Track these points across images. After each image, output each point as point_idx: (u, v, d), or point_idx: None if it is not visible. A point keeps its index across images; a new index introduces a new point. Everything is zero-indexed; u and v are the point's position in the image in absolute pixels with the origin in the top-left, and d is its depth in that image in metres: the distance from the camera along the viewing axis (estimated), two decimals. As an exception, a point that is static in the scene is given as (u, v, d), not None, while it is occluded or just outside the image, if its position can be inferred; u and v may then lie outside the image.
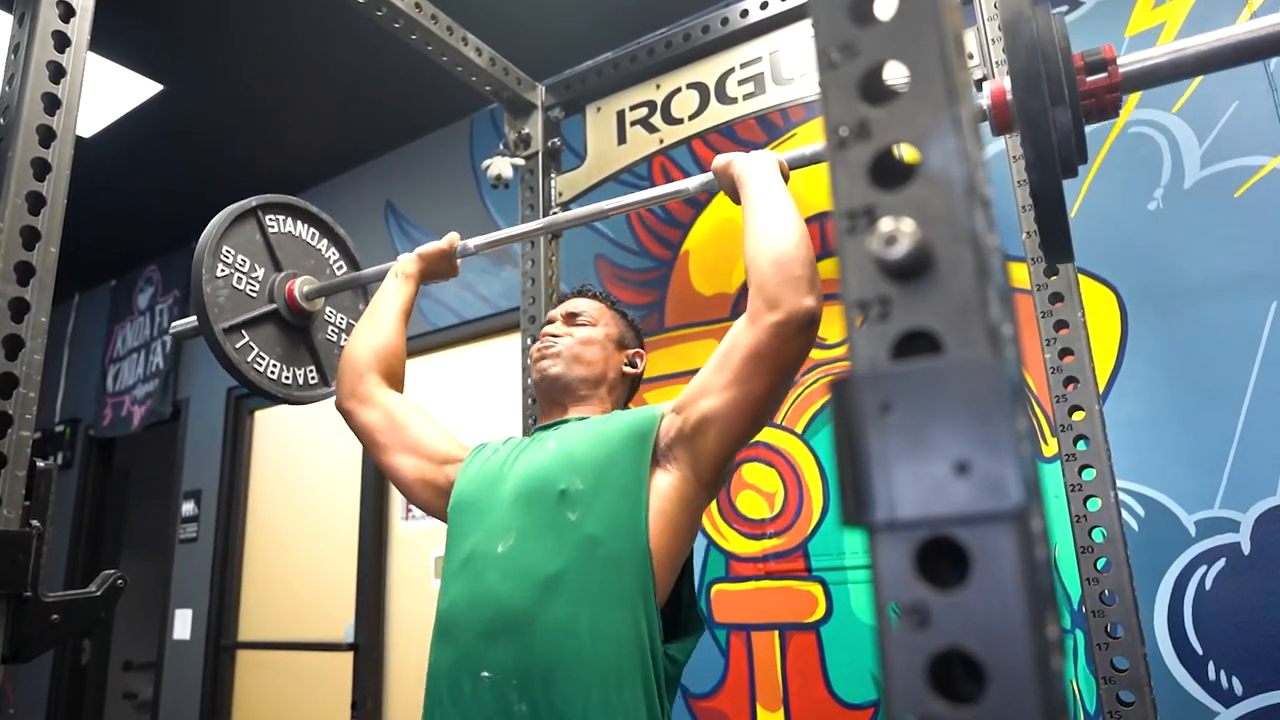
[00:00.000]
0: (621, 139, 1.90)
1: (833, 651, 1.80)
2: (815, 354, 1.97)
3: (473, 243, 1.43)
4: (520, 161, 1.96)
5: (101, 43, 2.36)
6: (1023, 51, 0.74)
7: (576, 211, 1.41)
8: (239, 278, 1.47)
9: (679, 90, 1.84)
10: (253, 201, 1.52)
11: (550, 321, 1.31)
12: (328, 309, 1.63)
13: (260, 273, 1.52)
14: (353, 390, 1.29)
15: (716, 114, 1.78)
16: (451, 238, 1.43)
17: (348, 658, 2.71)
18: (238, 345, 1.44)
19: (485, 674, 0.99)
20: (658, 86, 1.88)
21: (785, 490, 1.94)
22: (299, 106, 2.84)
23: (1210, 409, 1.52)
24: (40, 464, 0.96)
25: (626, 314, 1.35)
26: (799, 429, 1.95)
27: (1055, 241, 0.85)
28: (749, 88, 1.75)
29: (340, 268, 1.69)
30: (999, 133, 0.98)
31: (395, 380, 1.32)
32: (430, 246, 1.43)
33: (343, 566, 2.83)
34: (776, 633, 1.88)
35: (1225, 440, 1.50)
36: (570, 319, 1.29)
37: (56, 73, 1.05)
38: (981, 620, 0.28)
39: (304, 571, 3.01)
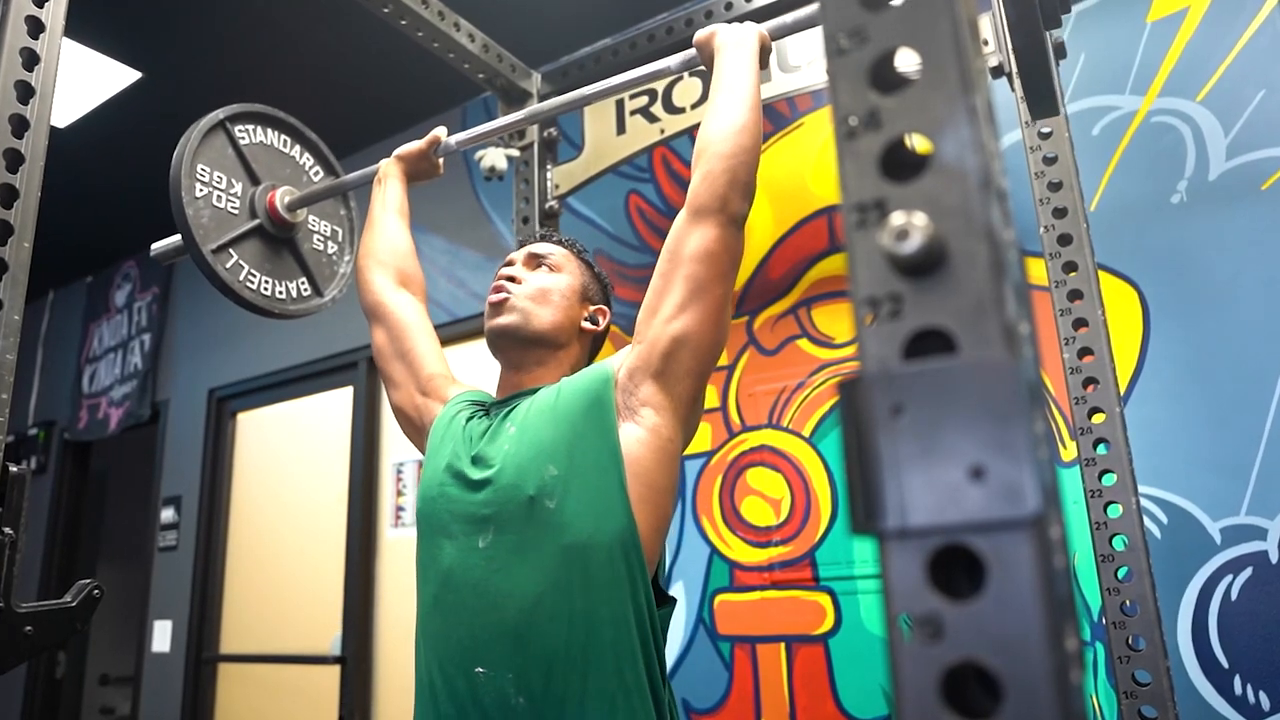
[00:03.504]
0: (621, 129, 1.90)
1: (841, 665, 1.80)
2: (823, 353, 1.97)
3: (454, 139, 1.48)
4: (515, 153, 1.96)
5: (77, 28, 2.36)
6: None
7: (559, 99, 1.40)
8: (218, 195, 1.49)
9: (680, 78, 1.84)
10: (220, 114, 1.53)
11: (509, 264, 1.25)
12: (311, 218, 1.66)
13: (238, 188, 1.53)
14: (366, 286, 1.37)
15: (720, 103, 1.78)
16: (436, 133, 1.48)
17: (334, 671, 2.71)
18: (228, 265, 1.46)
19: (480, 670, 0.99)
20: (658, 74, 1.87)
21: (792, 496, 1.94)
22: (284, 95, 2.84)
23: (1236, 411, 1.52)
24: (13, 469, 0.96)
25: (594, 265, 1.30)
26: (806, 432, 1.95)
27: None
28: (754, 75, 1.74)
29: (317, 174, 1.71)
30: None
31: (408, 279, 1.38)
32: (408, 146, 1.49)
33: (329, 576, 2.83)
34: (783, 645, 1.88)
35: (1252, 444, 1.50)
36: (532, 262, 1.24)
37: (30, 60, 1.05)
38: (997, 632, 0.28)
39: (289, 581, 3.01)
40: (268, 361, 3.24)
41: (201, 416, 3.42)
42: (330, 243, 1.69)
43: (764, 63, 1.16)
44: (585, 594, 0.98)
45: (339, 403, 3.00)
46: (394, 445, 2.84)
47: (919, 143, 0.33)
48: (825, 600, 1.85)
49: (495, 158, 1.90)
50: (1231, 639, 1.46)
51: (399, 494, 2.78)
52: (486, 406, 1.22)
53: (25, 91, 1.04)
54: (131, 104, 2.76)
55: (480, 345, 2.71)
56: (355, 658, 2.66)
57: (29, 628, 0.95)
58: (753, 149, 1.06)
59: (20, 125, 1.03)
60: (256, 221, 1.53)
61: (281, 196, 1.56)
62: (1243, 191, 1.59)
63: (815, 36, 1.64)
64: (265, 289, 1.52)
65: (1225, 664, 1.46)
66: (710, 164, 1.05)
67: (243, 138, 1.57)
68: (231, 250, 1.47)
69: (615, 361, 1.09)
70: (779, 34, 1.20)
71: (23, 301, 0.99)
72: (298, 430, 3.15)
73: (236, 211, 1.51)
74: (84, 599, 1.02)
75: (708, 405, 1.86)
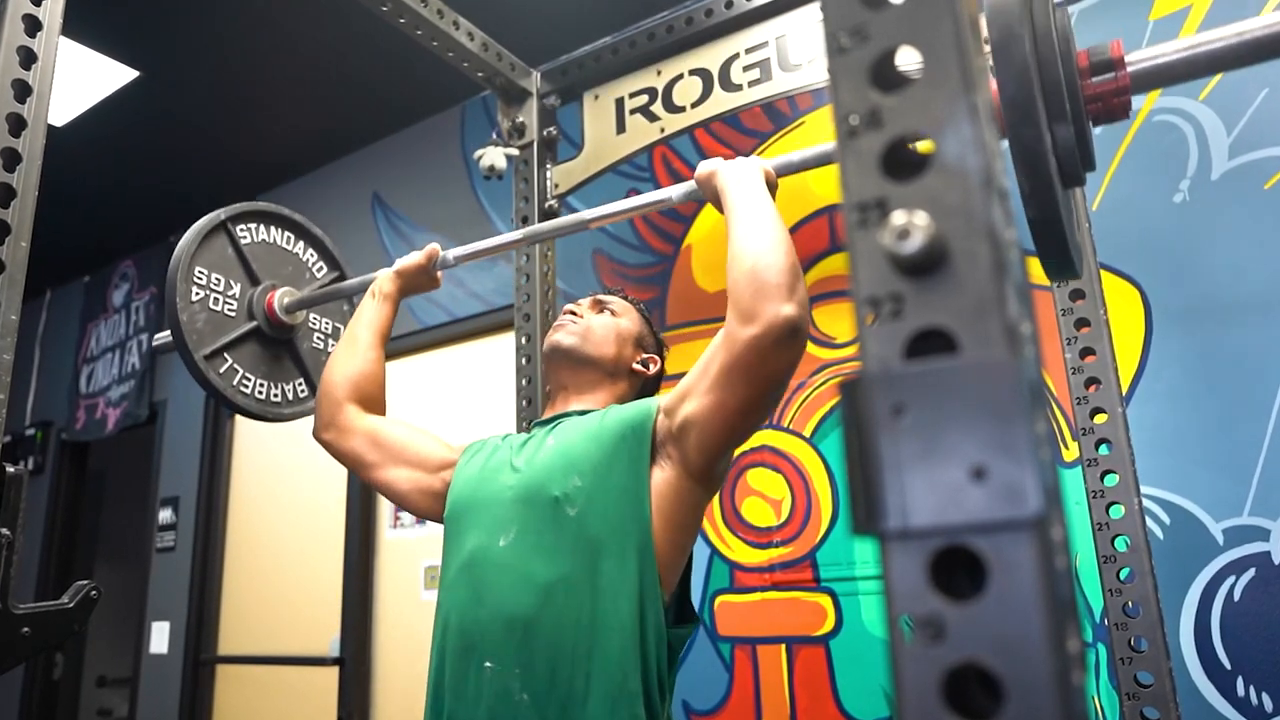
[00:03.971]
0: (621, 128, 1.90)
1: (842, 666, 1.80)
2: (824, 353, 1.97)
3: (452, 254, 1.45)
4: (514, 151, 1.96)
5: (75, 27, 2.36)
6: (1013, 79, 0.67)
7: (557, 221, 1.43)
8: (215, 298, 1.47)
9: (681, 76, 1.84)
10: (221, 215, 1.51)
11: (575, 303, 1.35)
12: (311, 316, 1.64)
13: (237, 289, 1.51)
14: (331, 421, 1.32)
15: (720, 101, 1.78)
16: (431, 249, 1.45)
17: (333, 673, 2.71)
18: (221, 370, 1.44)
19: (488, 664, 1.03)
20: (659, 73, 1.88)
21: (792, 497, 1.94)
22: (282, 94, 2.85)
23: (1239, 411, 1.52)
24: (10, 469, 0.96)
25: (652, 322, 1.38)
26: (807, 432, 1.95)
27: (1059, 261, 0.82)
28: (755, 74, 1.75)
29: (320, 269, 1.69)
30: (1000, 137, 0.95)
31: (374, 405, 1.35)
32: (408, 261, 1.45)
33: (328, 577, 2.83)
34: (783, 646, 1.88)
35: (1255, 444, 1.50)
36: (596, 306, 1.34)
37: (27, 58, 1.05)
38: (999, 633, 0.28)
39: (287, 582, 3.01)
40: (266, 361, 3.24)
41: (200, 417, 3.42)
42: (331, 340, 1.67)
43: (773, 193, 1.13)
44: (594, 597, 1.02)
45: (337, 403, 3.00)
46: (393, 445, 2.84)
47: (920, 142, 0.33)
48: (826, 601, 1.85)
49: (495, 157, 1.90)
50: (1234, 640, 1.46)
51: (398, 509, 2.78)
52: (522, 433, 1.31)
53: (22, 90, 1.04)
54: (129, 103, 2.76)
55: (479, 345, 2.71)
56: (354, 659, 2.66)
57: (26, 629, 0.95)
58: (776, 256, 0.99)
59: (17, 124, 1.03)
60: (254, 324, 1.51)
61: (280, 298, 1.54)
62: (1246, 191, 1.59)
63: (816, 34, 1.64)
64: (259, 393, 1.50)
65: (1228, 665, 1.46)
66: (736, 285, 1.00)
67: (244, 237, 1.54)
68: (226, 355, 1.45)
69: (661, 402, 1.13)
70: (785, 171, 1.18)
71: (20, 301, 1.00)
72: (296, 431, 3.14)
73: (234, 314, 1.49)
74: (81, 600, 1.02)
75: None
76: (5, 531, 0.94)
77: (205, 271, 1.46)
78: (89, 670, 4.10)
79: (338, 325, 1.69)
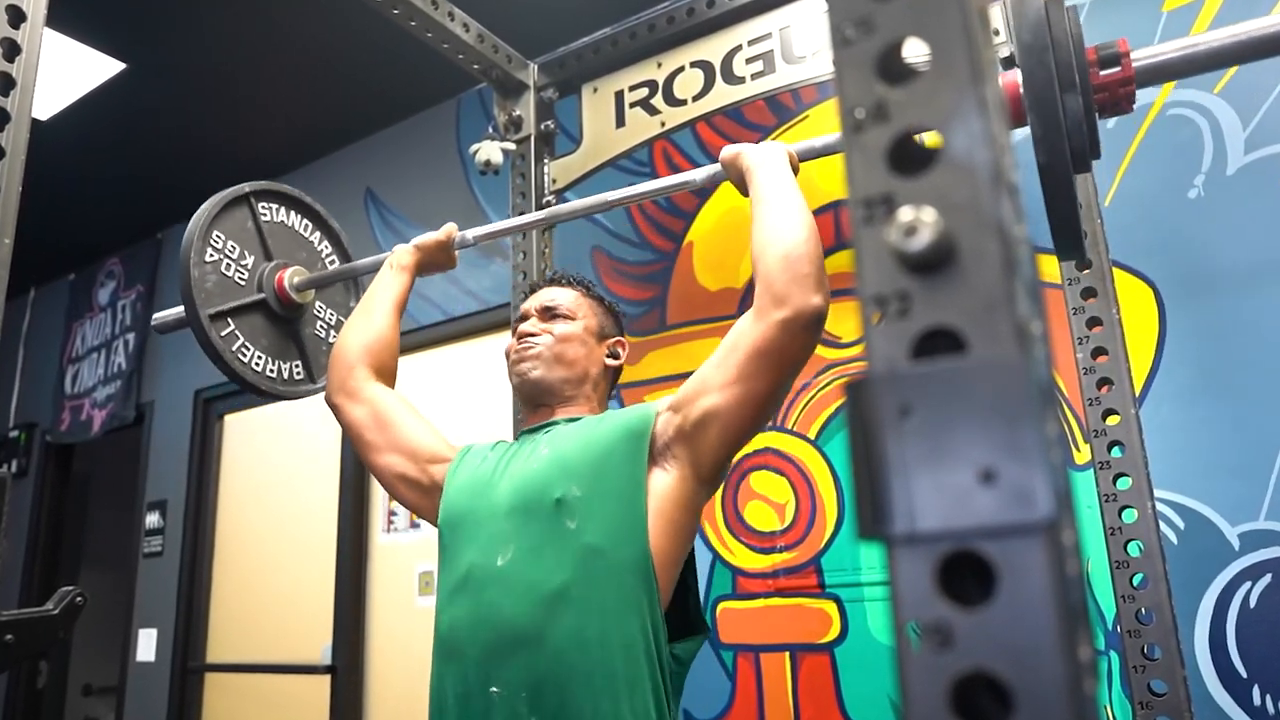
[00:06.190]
0: (620, 122, 1.90)
1: (848, 674, 1.80)
2: (829, 353, 1.97)
3: (471, 234, 1.49)
4: (511, 146, 1.96)
5: (59, 17, 2.35)
6: (1029, 30, 0.77)
7: (578, 203, 1.44)
8: (228, 264, 1.51)
9: (682, 69, 1.84)
10: (246, 188, 1.57)
11: (524, 318, 1.33)
12: (318, 303, 1.67)
13: (250, 261, 1.56)
14: (342, 384, 1.34)
15: (723, 94, 1.78)
16: (449, 228, 1.49)
17: (325, 681, 2.71)
18: (223, 333, 1.48)
19: (494, 689, 1.04)
20: (659, 65, 1.88)
21: (797, 501, 1.94)
22: (273, 87, 2.84)
23: (1255, 412, 1.52)
24: (-7, 472, 0.96)
25: (604, 299, 1.38)
26: (812, 435, 1.95)
27: (1066, 237, 0.90)
28: (757, 66, 1.75)
29: (332, 262, 1.73)
30: (1010, 128, 1.02)
31: (387, 375, 1.38)
32: (427, 237, 1.48)
33: (319, 582, 2.83)
34: (787, 654, 1.88)
35: (1271, 446, 1.50)
36: (546, 315, 1.31)
37: (10, 50, 1.05)
38: (1008, 641, 0.28)
39: (277, 588, 3.01)
40: (256, 361, 3.24)
41: (188, 418, 3.42)
42: (334, 332, 1.70)
43: (797, 174, 1.19)
44: (600, 605, 1.03)
45: (329, 404, 3.00)
46: (386, 448, 2.84)
47: (928, 136, 0.33)
48: (831, 608, 1.85)
49: (490, 151, 1.90)
50: (1250, 648, 1.46)
51: (391, 498, 2.78)
52: (511, 441, 1.30)
53: (6, 83, 1.04)
54: (116, 96, 2.76)
55: (473, 344, 2.71)
56: (346, 667, 2.66)
57: (10, 636, 0.95)
58: (807, 243, 1.04)
59: (1, 118, 1.03)
60: (261, 296, 1.55)
61: (291, 276, 1.58)
62: (1262, 186, 1.59)
63: (820, 26, 1.64)
64: (256, 364, 1.52)
65: (1244, 673, 1.46)
66: (767, 267, 1.05)
67: (264, 214, 1.60)
68: (230, 319, 1.49)
69: (658, 406, 1.15)
70: (807, 156, 1.23)
71: (3, 300, 0.99)
72: (287, 433, 3.15)
73: (244, 283, 1.53)
74: (66, 606, 1.02)
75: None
76: (-12, 536, 0.94)
77: (222, 237, 1.51)
78: (74, 679, 4.10)
79: (341, 317, 1.72)
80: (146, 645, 3.30)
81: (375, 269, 1.51)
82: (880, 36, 0.35)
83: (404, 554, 2.70)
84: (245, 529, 3.22)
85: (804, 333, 1.02)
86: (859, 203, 0.34)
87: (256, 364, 1.52)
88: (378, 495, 2.82)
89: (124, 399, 3.63)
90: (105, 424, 3.67)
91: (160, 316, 1.60)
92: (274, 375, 1.56)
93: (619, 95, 1.92)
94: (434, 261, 1.49)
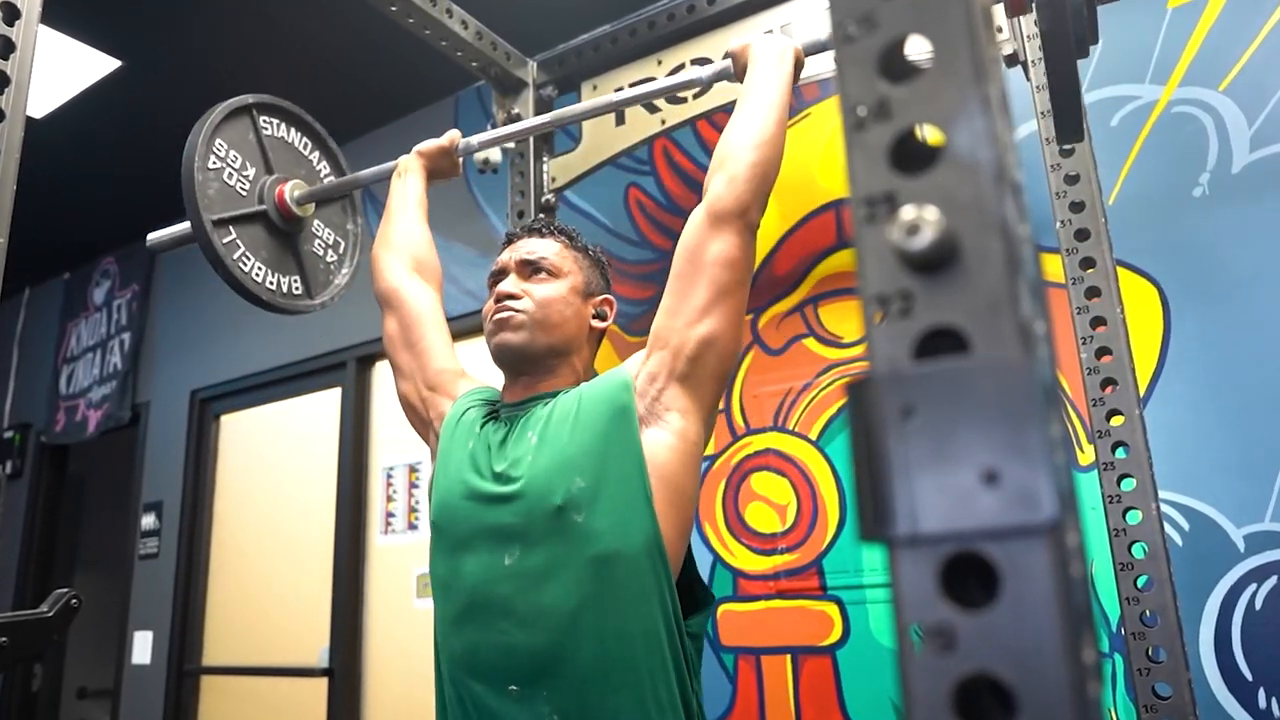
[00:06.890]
0: (620, 119, 1.90)
1: (850, 677, 1.80)
2: (831, 353, 1.97)
3: (475, 139, 1.52)
4: (510, 144, 1.96)
5: (54, 15, 2.36)
6: None
7: (588, 103, 1.49)
8: (229, 173, 1.53)
9: (683, 66, 1.84)
10: (249, 98, 1.60)
11: (502, 273, 1.24)
12: (317, 221, 1.68)
13: (251, 172, 1.57)
14: (381, 274, 1.38)
15: (723, 92, 1.78)
16: (452, 133, 1.52)
17: (322, 684, 2.71)
18: (225, 240, 1.48)
19: (513, 688, 1.02)
20: (659, 63, 1.88)
21: (798, 502, 1.94)
22: (270, 84, 2.82)
23: (1260, 413, 1.52)
24: (-13, 473, 0.96)
25: (590, 249, 1.31)
26: (813, 435, 1.95)
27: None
28: (759, 64, 1.74)
29: (330, 182, 1.74)
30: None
31: (424, 268, 1.39)
32: (430, 143, 1.51)
33: (316, 585, 2.83)
34: (789, 657, 1.88)
35: (1277, 447, 1.50)
36: (526, 270, 1.22)
37: (5, 48, 1.05)
38: (1011, 643, 0.28)
39: (274, 590, 3.01)
40: (252, 362, 3.24)
41: (183, 419, 3.42)
42: (331, 251, 1.72)
43: (797, 77, 1.22)
44: (617, 609, 1.01)
45: (327, 405, 3.00)
46: (384, 449, 2.84)
47: (930, 134, 0.33)
48: (833, 610, 1.85)
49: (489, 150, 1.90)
50: (1255, 650, 1.46)
51: (389, 499, 2.78)
52: (497, 408, 1.24)
53: (0, 81, 1.04)
54: (111, 94, 2.76)
55: (473, 345, 2.70)
56: (343, 670, 2.66)
57: (4, 639, 0.95)
58: (776, 161, 1.11)
59: (-5, 116, 1.03)
60: (262, 208, 1.56)
61: (292, 189, 1.60)
62: (1267, 184, 1.59)
63: (822, 22, 1.64)
64: (257, 275, 1.53)
65: (1249, 676, 1.46)
66: (735, 170, 1.09)
67: (265, 128, 1.62)
68: (231, 228, 1.50)
69: (632, 367, 1.12)
70: (813, 50, 1.27)
71: (-3, 299, 1.00)
72: (284, 433, 3.15)
73: (245, 194, 1.55)
74: (61, 608, 1.02)
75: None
76: (-18, 538, 0.94)
77: (224, 145, 1.52)
78: (69, 681, 4.10)
79: (339, 239, 1.73)
80: (142, 648, 3.30)
81: (377, 179, 1.56)
82: (883, 33, 0.35)
83: (402, 556, 2.70)
84: (242, 530, 3.22)
85: (754, 239, 1.09)
86: (861, 201, 0.34)
87: (257, 274, 1.53)
88: (375, 497, 2.82)
89: (119, 399, 3.63)
90: (100, 425, 3.67)
91: (156, 235, 1.60)
92: (274, 288, 1.56)
93: (619, 93, 1.91)
94: (438, 168, 1.51)
